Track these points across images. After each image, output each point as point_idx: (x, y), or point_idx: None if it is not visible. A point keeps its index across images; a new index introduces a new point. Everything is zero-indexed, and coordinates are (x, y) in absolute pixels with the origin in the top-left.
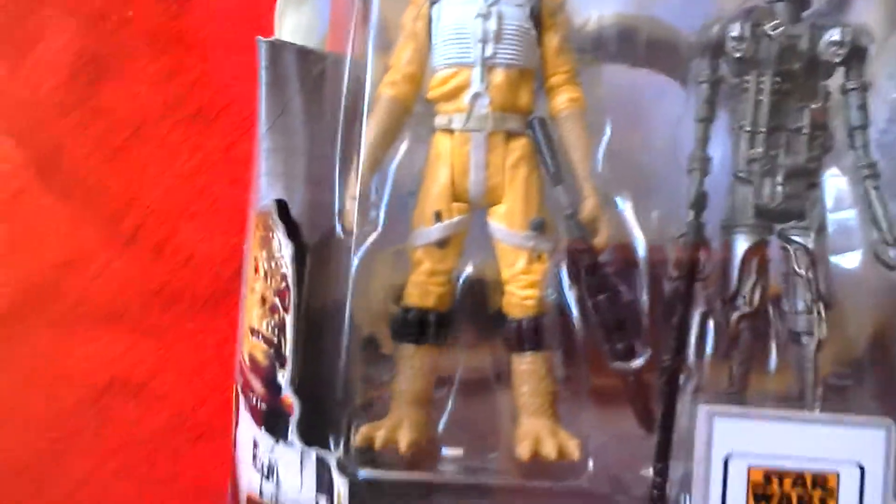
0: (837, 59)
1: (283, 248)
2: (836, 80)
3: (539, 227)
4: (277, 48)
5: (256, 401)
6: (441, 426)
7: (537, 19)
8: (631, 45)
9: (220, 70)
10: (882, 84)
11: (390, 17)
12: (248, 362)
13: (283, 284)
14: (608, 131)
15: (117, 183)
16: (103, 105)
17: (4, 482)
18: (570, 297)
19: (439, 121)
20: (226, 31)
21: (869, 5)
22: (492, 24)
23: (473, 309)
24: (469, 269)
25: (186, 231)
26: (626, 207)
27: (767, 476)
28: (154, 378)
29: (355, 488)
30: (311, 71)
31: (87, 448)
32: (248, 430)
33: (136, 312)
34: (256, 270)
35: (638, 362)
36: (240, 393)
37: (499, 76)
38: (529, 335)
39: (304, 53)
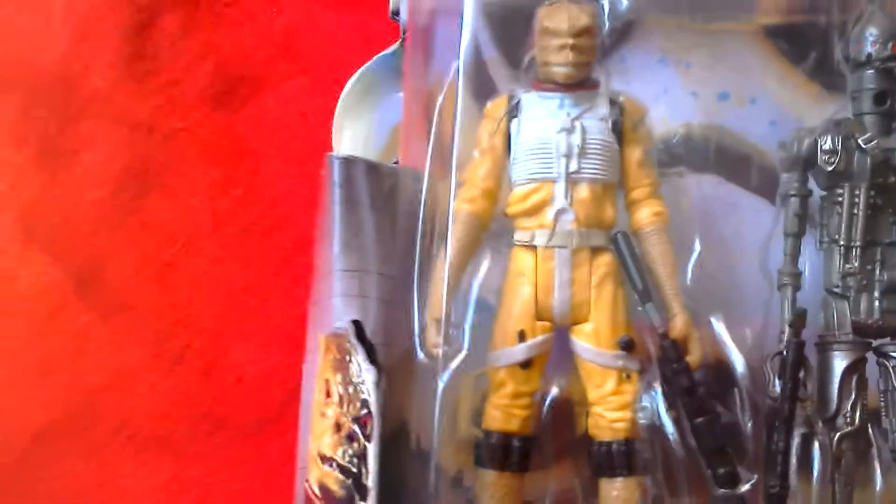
0: None
1: (364, 373)
2: None
3: (628, 346)
4: (350, 164)
5: None
6: None
7: (619, 133)
8: (703, 154)
9: (272, 183)
10: None
11: (445, 130)
12: (317, 491)
13: (365, 411)
14: (697, 247)
15: (164, 300)
16: (150, 219)
17: None
18: (665, 419)
19: (520, 236)
20: (277, 142)
21: None
22: (576, 139)
23: (558, 432)
24: (554, 391)
25: (237, 351)
26: (718, 325)
27: None
28: None
29: None
30: (382, 187)
31: None
32: None
33: (182, 438)
34: (328, 395)
35: (744, 488)
36: None
37: (583, 191)
38: (621, 460)
39: (373, 169)
